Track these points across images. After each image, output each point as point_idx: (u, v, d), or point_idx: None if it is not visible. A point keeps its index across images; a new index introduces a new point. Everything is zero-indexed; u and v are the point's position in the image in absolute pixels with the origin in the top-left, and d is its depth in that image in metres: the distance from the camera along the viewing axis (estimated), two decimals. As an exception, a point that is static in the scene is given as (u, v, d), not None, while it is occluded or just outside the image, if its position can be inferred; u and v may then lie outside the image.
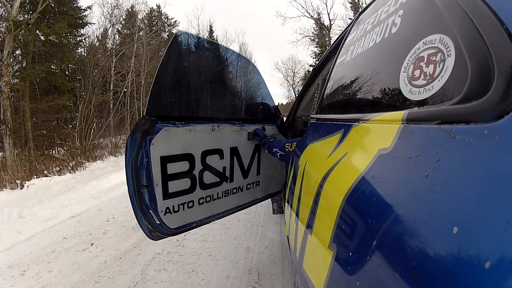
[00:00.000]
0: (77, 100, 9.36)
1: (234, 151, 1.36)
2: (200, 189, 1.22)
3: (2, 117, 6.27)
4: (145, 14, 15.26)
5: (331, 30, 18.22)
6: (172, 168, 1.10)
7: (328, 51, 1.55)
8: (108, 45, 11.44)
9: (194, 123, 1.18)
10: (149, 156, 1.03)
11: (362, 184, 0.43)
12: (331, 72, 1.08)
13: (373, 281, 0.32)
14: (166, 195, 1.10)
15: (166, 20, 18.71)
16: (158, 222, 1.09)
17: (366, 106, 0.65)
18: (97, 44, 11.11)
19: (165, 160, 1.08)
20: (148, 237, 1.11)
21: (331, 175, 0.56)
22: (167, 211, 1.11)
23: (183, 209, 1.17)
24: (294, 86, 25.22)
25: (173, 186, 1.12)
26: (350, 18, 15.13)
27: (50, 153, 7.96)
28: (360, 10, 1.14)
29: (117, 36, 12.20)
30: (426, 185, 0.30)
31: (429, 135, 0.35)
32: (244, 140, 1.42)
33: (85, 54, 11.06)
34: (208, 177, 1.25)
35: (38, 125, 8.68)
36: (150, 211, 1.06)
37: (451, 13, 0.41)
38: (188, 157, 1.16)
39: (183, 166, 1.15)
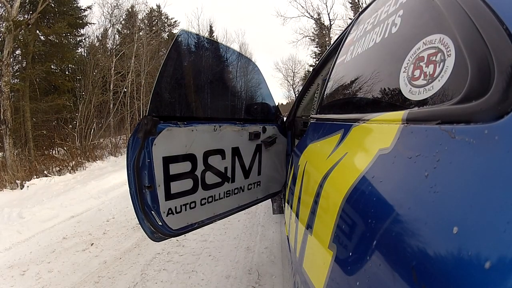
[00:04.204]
0: (77, 100, 9.36)
1: (236, 151, 1.36)
2: (202, 189, 1.22)
3: (2, 117, 6.27)
4: (145, 14, 15.27)
5: (331, 30, 18.23)
6: (175, 168, 1.10)
7: (328, 51, 1.55)
8: (108, 45, 11.45)
9: (196, 123, 1.18)
10: (151, 156, 1.02)
11: (362, 184, 0.43)
12: (331, 72, 1.08)
13: (373, 281, 0.32)
14: (169, 196, 1.09)
15: (166, 20, 18.73)
16: (160, 223, 1.08)
17: (366, 106, 0.65)
18: (97, 44, 11.11)
19: (167, 161, 1.07)
20: (150, 238, 1.11)
21: (331, 175, 0.56)
22: (170, 212, 1.11)
23: (185, 210, 1.17)
24: (294, 86, 25.25)
25: (176, 187, 1.11)
26: (350, 18, 15.13)
27: (50, 153, 7.96)
28: (360, 10, 1.13)
29: (117, 36, 12.21)
30: (426, 185, 0.30)
31: (429, 135, 0.35)
32: (246, 140, 1.42)
33: (85, 54, 11.08)
34: (210, 178, 1.24)
35: (38, 125, 8.68)
36: (152, 212, 1.06)
37: (451, 13, 0.41)
38: (190, 158, 1.16)
39: (185, 166, 1.14)
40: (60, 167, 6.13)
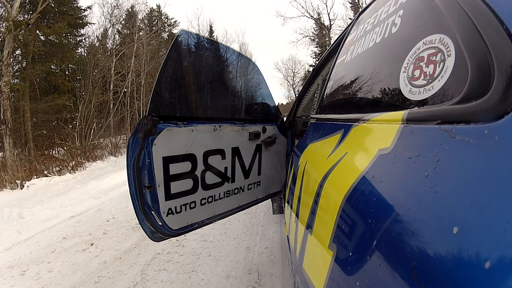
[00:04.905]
0: (77, 100, 9.36)
1: (236, 151, 1.36)
2: (202, 189, 1.22)
3: (2, 117, 6.27)
4: (145, 14, 15.28)
5: (331, 30, 18.24)
6: (174, 168, 1.10)
7: (328, 51, 1.55)
8: (108, 45, 11.46)
9: (196, 123, 1.18)
10: (151, 156, 1.02)
11: (362, 184, 0.42)
12: (331, 72, 1.08)
13: (373, 281, 0.32)
14: (169, 196, 1.09)
15: (166, 20, 18.73)
16: (160, 223, 1.08)
17: (366, 106, 0.65)
18: (97, 44, 11.12)
19: (167, 161, 1.07)
20: (150, 238, 1.11)
21: (331, 175, 0.56)
22: (169, 212, 1.11)
23: (185, 210, 1.17)
24: (294, 86, 25.28)
25: (176, 186, 1.11)
26: (350, 18, 15.15)
27: (50, 153, 7.96)
28: (360, 10, 1.13)
29: (117, 36, 12.22)
30: (426, 185, 0.30)
31: (429, 135, 0.35)
32: (246, 140, 1.41)
33: (85, 54, 11.08)
34: (210, 178, 1.24)
35: (38, 125, 8.68)
36: (152, 212, 1.06)
37: (451, 13, 0.41)
38: (190, 158, 1.16)
39: (185, 166, 1.14)
40: (60, 167, 6.13)
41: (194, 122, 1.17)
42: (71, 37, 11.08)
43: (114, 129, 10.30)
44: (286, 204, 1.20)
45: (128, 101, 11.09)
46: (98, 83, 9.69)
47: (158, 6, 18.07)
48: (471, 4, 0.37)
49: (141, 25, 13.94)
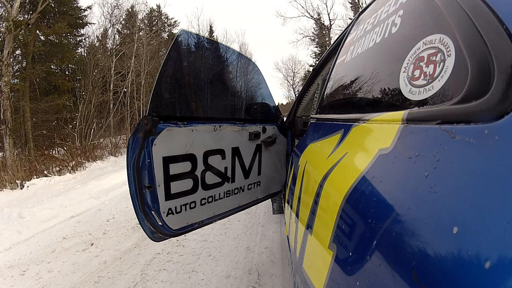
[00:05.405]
0: (77, 100, 9.36)
1: (236, 151, 1.36)
2: (202, 189, 1.22)
3: (2, 117, 6.27)
4: (145, 14, 15.29)
5: (331, 30, 18.25)
6: (175, 168, 1.10)
7: (328, 51, 1.55)
8: (108, 45, 11.47)
9: (196, 123, 1.18)
10: (151, 156, 1.02)
11: (362, 184, 0.42)
12: (331, 72, 1.08)
13: (373, 281, 0.32)
14: (169, 196, 1.09)
15: (166, 20, 18.74)
16: (160, 223, 1.08)
17: (366, 106, 0.65)
18: (97, 44, 11.12)
19: (167, 161, 1.07)
20: (150, 238, 1.11)
21: (331, 175, 0.56)
22: (169, 212, 1.11)
23: (185, 210, 1.17)
24: (294, 86, 25.29)
25: (176, 186, 1.11)
26: (350, 18, 15.15)
27: (50, 153, 7.97)
28: (360, 10, 1.13)
29: (117, 36, 12.23)
30: (426, 185, 0.30)
31: (429, 135, 0.35)
32: (246, 140, 1.42)
33: (85, 54, 11.08)
34: (210, 178, 1.25)
35: (38, 125, 8.68)
36: (152, 212, 1.06)
37: (451, 13, 0.41)
38: (190, 158, 1.16)
39: (185, 166, 1.15)
40: (60, 167, 6.13)
41: (194, 122, 1.17)
42: (71, 37, 11.08)
43: (114, 129, 10.30)
44: (286, 204, 1.20)
45: (128, 101, 11.09)
46: (98, 83, 9.69)
47: (158, 6, 18.08)
48: (471, 4, 0.37)
49: (141, 25, 13.95)
